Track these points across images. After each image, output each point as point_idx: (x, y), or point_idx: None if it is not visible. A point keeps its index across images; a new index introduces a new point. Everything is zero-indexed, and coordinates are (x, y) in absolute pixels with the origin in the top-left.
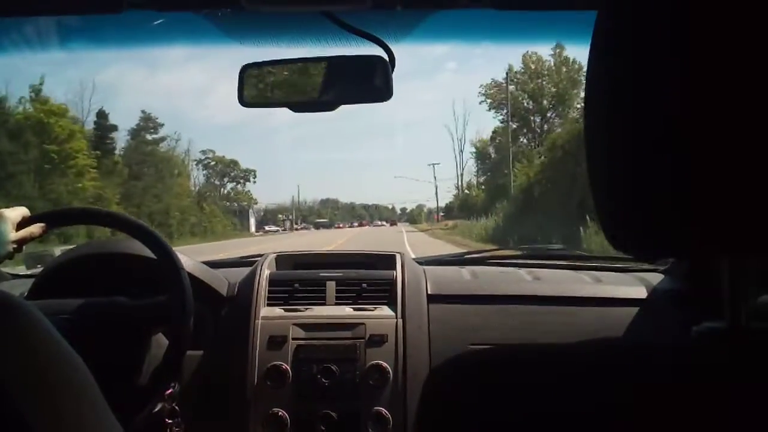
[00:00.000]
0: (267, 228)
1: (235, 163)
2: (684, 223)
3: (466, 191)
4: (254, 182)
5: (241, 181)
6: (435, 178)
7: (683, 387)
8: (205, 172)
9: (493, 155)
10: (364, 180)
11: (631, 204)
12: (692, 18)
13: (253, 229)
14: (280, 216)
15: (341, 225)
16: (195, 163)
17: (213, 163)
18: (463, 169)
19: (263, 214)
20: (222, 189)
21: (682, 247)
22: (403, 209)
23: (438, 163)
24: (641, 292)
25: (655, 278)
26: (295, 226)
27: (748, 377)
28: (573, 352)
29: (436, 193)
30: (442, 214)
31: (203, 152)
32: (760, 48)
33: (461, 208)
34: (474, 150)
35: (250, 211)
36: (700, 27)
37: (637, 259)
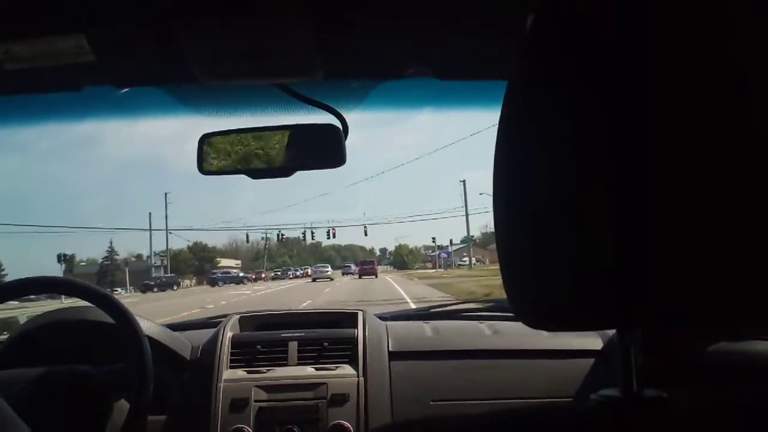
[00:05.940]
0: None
1: None
2: (580, 298)
3: None
4: None
5: None
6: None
7: None
8: None
9: None
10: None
11: (530, 277)
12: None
13: None
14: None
15: (262, 275)
16: None
17: None
18: None
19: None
20: None
21: (580, 323)
22: (384, 249)
23: None
24: (597, 343)
25: None
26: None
27: None
28: (520, 411)
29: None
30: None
31: None
32: (666, 121)
33: None
34: None
35: None
36: (600, 106)
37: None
